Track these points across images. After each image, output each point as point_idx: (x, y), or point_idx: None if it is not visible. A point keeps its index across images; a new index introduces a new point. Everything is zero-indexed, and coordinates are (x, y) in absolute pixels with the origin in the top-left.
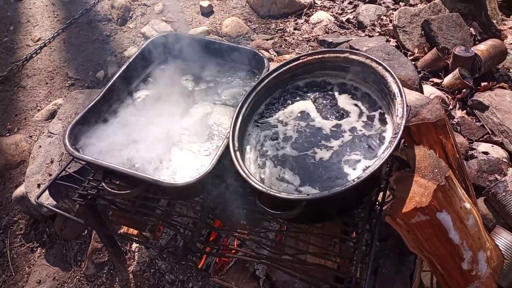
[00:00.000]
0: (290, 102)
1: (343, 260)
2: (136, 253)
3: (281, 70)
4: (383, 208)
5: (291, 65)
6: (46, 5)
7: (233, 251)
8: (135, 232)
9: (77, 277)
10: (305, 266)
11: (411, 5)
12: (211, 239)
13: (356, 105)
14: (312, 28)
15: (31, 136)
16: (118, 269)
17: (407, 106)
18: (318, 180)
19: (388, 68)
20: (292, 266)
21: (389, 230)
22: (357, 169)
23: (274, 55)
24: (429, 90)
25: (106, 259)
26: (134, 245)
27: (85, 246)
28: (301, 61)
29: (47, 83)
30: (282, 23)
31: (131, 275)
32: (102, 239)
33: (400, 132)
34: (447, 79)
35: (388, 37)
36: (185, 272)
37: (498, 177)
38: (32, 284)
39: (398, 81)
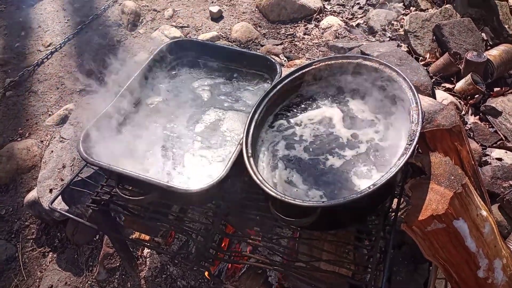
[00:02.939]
0: (304, 107)
1: (358, 267)
2: (147, 259)
3: (294, 75)
4: (398, 215)
5: (304, 70)
6: (57, 11)
7: (246, 257)
8: (147, 237)
9: (89, 282)
10: (319, 273)
11: (422, 10)
12: (223, 245)
13: (371, 112)
14: (322, 33)
15: (42, 141)
16: (130, 275)
17: (422, 112)
18: (324, 186)
19: (402, 74)
20: (305, 273)
21: (403, 237)
22: (367, 180)
23: (285, 60)
24: (442, 95)
25: (118, 264)
26: (146, 251)
27: (97, 251)
28: (314, 66)
29: (58, 88)
30: (292, 28)
31: (142, 281)
32: (114, 245)
33: (416, 139)
34: (460, 85)
35: (399, 42)
36: (197, 278)
37: None
38: None
39: (413, 87)
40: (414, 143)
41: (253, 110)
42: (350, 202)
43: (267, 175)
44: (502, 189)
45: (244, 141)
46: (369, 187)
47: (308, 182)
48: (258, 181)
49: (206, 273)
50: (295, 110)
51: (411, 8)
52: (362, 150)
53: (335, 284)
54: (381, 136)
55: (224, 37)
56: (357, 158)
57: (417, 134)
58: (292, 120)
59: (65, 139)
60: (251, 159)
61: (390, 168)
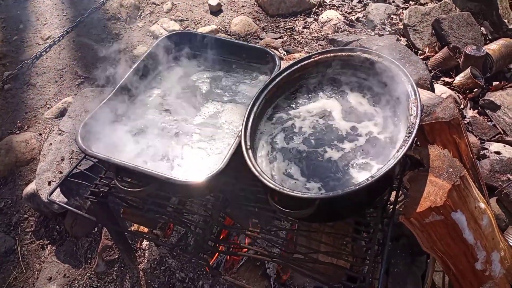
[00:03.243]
0: (303, 100)
1: (356, 259)
2: (146, 251)
3: (293, 68)
4: (396, 207)
5: (303, 63)
6: (56, 4)
7: (244, 249)
8: (146, 230)
9: (88, 274)
10: (317, 265)
11: (421, 4)
12: (222, 237)
13: (370, 105)
14: (322, 27)
15: (41, 134)
16: (129, 267)
17: (421, 105)
18: (322, 178)
19: (402, 67)
20: (304, 265)
21: (401, 229)
22: (365, 173)
23: (284, 54)
24: (441, 89)
25: (117, 256)
26: (145, 243)
27: (95, 244)
28: (312, 59)
29: (56, 81)
30: (291, 22)
31: (141, 273)
32: (113, 237)
33: (415, 131)
34: (458, 79)
35: (398, 36)
36: (196, 270)
37: (511, 177)
38: (42, 281)
39: (412, 80)
40: (413, 135)
41: (251, 102)
42: (349, 194)
43: (266, 167)
44: (500, 183)
45: (243, 134)
46: (367, 179)
47: (306, 174)
48: (256, 173)
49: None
50: (294, 103)
51: (411, 2)
52: (361, 143)
53: (333, 275)
54: (380, 129)
55: (223, 31)
56: (355, 151)
57: (416, 126)
58: (291, 113)
59: (63, 131)
60: (250, 151)
61: (389, 160)
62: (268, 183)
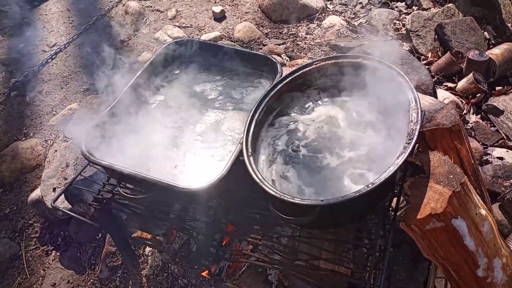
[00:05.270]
0: (305, 107)
1: (357, 266)
2: (149, 257)
3: (294, 75)
4: (397, 214)
5: (304, 70)
6: (62, 11)
7: (246, 256)
8: (149, 236)
9: (91, 280)
10: (318, 272)
11: (424, 9)
12: (224, 244)
13: (372, 111)
14: (324, 33)
15: (46, 140)
16: (132, 273)
17: (421, 111)
18: (317, 183)
19: (402, 73)
20: (305, 272)
21: (402, 236)
22: (361, 182)
23: (287, 60)
24: (443, 94)
25: (120, 262)
26: (148, 249)
27: (99, 250)
28: (314, 66)
29: (62, 88)
30: (294, 28)
31: (144, 279)
32: (116, 243)
33: (415, 138)
34: (461, 84)
35: (401, 42)
36: (198, 276)
37: None
38: (46, 286)
39: (412, 86)
40: (413, 142)
41: (253, 109)
42: (349, 201)
43: (266, 172)
44: (503, 188)
45: (244, 140)
46: (367, 186)
47: (302, 178)
48: (257, 180)
49: (204, 273)
50: (296, 109)
51: (413, 7)
52: (363, 152)
53: (334, 282)
54: (382, 137)
55: (226, 37)
56: (356, 159)
57: (416, 133)
58: (293, 119)
59: (69, 138)
60: (251, 158)
61: (389, 167)
62: (269, 190)
